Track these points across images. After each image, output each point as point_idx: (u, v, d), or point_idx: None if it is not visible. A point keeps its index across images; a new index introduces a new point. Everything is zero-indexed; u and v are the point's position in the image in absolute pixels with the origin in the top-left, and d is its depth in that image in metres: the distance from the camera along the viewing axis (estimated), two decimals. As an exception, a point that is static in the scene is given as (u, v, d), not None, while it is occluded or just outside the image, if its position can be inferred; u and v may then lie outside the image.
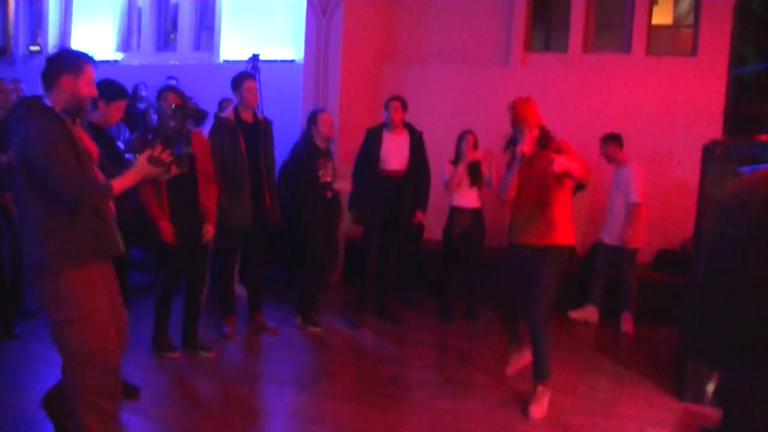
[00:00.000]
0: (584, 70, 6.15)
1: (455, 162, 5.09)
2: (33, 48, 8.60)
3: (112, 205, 2.74)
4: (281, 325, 4.83)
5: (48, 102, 2.51)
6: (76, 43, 8.07)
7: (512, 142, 3.69)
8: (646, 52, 6.08)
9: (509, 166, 3.69)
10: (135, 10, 8.21)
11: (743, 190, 2.19)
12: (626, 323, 5.19)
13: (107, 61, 7.77)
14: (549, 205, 3.59)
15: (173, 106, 3.85)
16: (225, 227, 4.41)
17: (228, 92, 4.67)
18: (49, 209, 2.49)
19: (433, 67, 6.56)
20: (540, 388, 3.60)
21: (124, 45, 8.16)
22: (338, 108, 6.10)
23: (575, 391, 3.90)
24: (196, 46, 7.81)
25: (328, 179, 4.80)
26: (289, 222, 4.90)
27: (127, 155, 4.12)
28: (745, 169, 2.22)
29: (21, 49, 8.75)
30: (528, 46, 6.48)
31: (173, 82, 6.78)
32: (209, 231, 4.09)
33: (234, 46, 7.26)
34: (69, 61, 2.55)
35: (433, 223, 5.47)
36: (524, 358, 3.90)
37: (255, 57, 6.36)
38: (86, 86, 2.56)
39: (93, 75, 2.60)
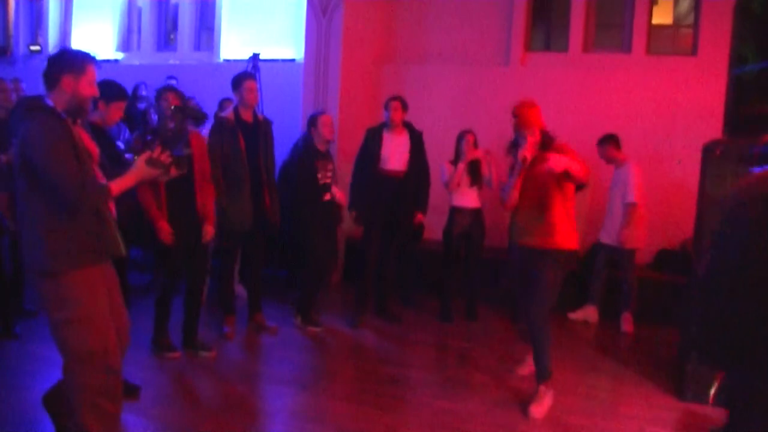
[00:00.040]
0: (584, 70, 6.15)
1: (455, 162, 5.08)
2: (33, 48, 8.60)
3: (112, 206, 2.74)
4: (281, 325, 4.83)
5: (49, 102, 2.51)
6: (77, 43, 8.07)
7: (514, 146, 3.68)
8: (646, 52, 6.08)
9: (511, 170, 3.68)
10: (135, 9, 8.21)
11: (743, 190, 2.19)
12: (626, 323, 5.19)
13: (107, 61, 7.76)
14: (550, 208, 3.57)
15: (172, 107, 3.84)
16: (225, 227, 4.42)
17: (228, 92, 4.67)
18: (49, 210, 2.49)
19: (433, 67, 6.56)
20: (541, 388, 3.61)
21: (125, 45, 8.16)
22: (338, 108, 6.10)
23: (575, 391, 3.90)
24: (197, 46, 7.80)
25: (327, 181, 4.80)
26: (289, 222, 4.90)
27: (127, 155, 4.12)
28: (756, 169, 2.23)
29: (21, 49, 8.74)
30: (528, 46, 6.48)
31: (173, 81, 6.78)
32: (209, 231, 4.10)
33: (234, 45, 7.27)
34: (71, 61, 2.54)
35: (433, 223, 5.47)
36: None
37: (255, 57, 6.36)
38: (88, 86, 2.56)
39: (95, 75, 2.60)
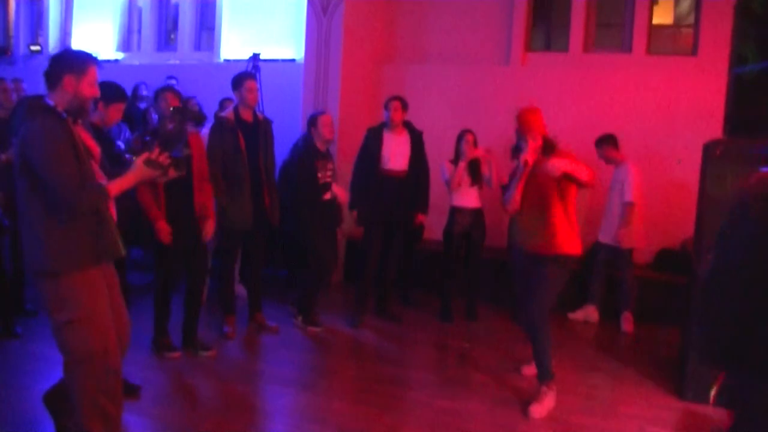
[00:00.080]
0: (584, 69, 6.15)
1: (455, 162, 5.09)
2: (34, 48, 8.61)
3: (112, 207, 2.74)
4: (282, 325, 4.83)
5: (50, 102, 2.51)
6: (77, 43, 8.07)
7: (517, 150, 3.68)
8: (646, 52, 6.08)
9: (513, 175, 3.68)
10: (135, 9, 8.21)
11: (746, 190, 2.19)
12: (626, 323, 5.19)
13: (108, 61, 7.77)
14: (550, 212, 3.56)
15: (171, 108, 3.83)
16: (225, 227, 4.42)
17: (228, 92, 4.67)
18: (49, 210, 2.49)
19: (433, 67, 6.56)
20: (543, 388, 3.61)
21: (125, 45, 8.16)
22: (338, 108, 6.09)
23: (576, 391, 3.90)
24: (197, 46, 7.81)
25: (328, 180, 4.80)
26: (289, 222, 4.90)
27: (127, 155, 4.12)
28: (764, 168, 2.23)
29: (22, 49, 8.75)
30: (528, 46, 6.48)
31: (173, 81, 6.78)
32: (209, 229, 4.11)
33: (234, 45, 7.27)
34: (73, 61, 2.55)
35: (433, 223, 5.47)
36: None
37: (255, 56, 6.36)
38: (89, 87, 2.56)
39: (96, 76, 2.60)
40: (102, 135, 3.49)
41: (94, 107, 3.44)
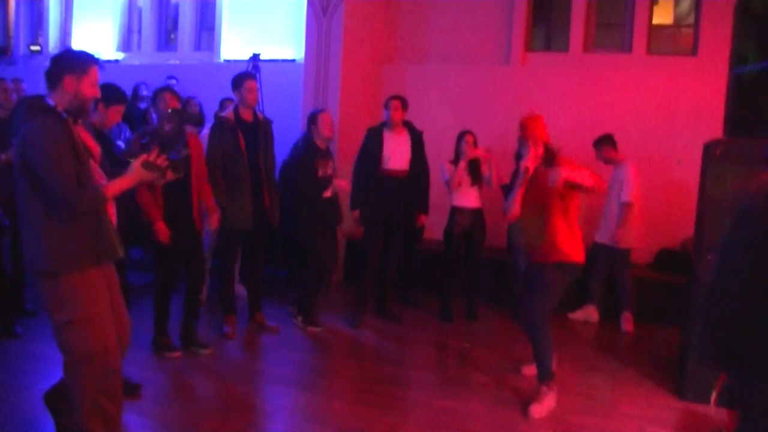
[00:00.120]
0: (585, 69, 6.15)
1: (455, 162, 5.09)
2: (34, 48, 8.61)
3: (112, 209, 2.74)
4: (282, 325, 4.84)
5: (50, 102, 2.51)
6: (77, 43, 8.07)
7: (519, 156, 3.68)
8: (646, 52, 6.08)
9: (513, 180, 3.67)
10: (135, 9, 8.22)
11: (748, 191, 2.19)
12: (626, 323, 5.19)
13: (108, 61, 7.76)
14: (550, 221, 3.55)
15: (170, 110, 3.83)
16: (225, 227, 4.43)
17: (228, 92, 4.67)
18: (49, 210, 2.49)
19: (433, 67, 6.56)
20: (543, 388, 3.61)
21: (125, 45, 8.16)
22: (338, 108, 6.09)
23: (576, 391, 3.90)
24: (197, 46, 7.81)
25: (329, 174, 4.81)
26: (289, 222, 4.90)
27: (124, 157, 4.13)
28: None
29: (22, 49, 8.76)
30: (528, 46, 6.48)
31: (173, 81, 6.79)
32: (214, 220, 4.21)
33: (234, 45, 7.27)
34: (74, 61, 2.55)
35: (433, 223, 5.47)
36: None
37: (255, 56, 6.36)
38: (89, 87, 2.56)
39: (97, 76, 2.60)
40: (101, 136, 3.49)
41: (94, 108, 3.44)
